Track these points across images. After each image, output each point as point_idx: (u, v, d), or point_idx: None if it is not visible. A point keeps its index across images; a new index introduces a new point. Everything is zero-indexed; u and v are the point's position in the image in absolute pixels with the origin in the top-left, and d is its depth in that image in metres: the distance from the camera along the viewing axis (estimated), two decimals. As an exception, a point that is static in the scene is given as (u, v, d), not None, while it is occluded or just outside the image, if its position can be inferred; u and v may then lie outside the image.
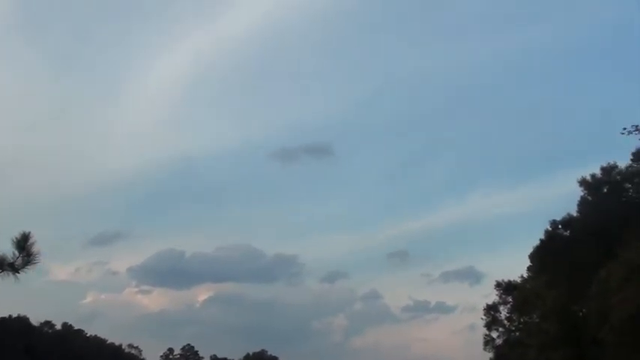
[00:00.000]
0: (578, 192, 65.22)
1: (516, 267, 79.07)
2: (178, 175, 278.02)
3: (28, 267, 13.00)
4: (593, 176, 63.26)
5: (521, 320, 76.80)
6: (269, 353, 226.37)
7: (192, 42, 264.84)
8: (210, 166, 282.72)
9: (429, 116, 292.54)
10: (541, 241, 73.51)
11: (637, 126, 46.66)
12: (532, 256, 75.59)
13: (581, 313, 61.40)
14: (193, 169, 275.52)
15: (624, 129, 42.46)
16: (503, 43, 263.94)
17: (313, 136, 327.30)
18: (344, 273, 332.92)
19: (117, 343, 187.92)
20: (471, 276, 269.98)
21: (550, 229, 71.66)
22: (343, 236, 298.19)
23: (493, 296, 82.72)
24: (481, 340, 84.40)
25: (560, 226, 70.64)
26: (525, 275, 78.41)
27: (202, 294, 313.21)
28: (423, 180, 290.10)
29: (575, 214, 66.95)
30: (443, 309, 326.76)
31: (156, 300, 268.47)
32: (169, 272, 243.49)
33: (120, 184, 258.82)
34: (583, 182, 63.61)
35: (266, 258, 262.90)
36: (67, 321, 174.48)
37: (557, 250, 65.60)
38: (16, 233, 12.84)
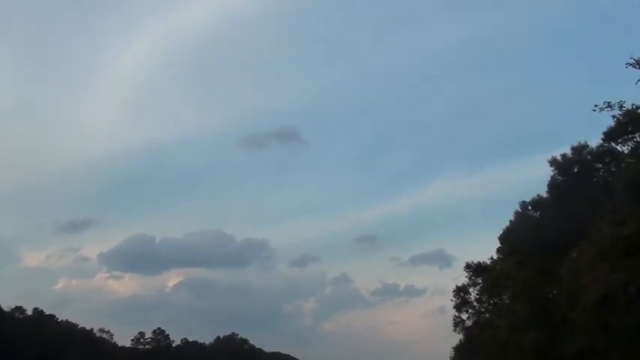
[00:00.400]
0: (548, 173, 64.73)
1: (487, 250, 79.69)
2: (148, 163, 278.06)
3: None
4: (563, 156, 62.66)
5: (491, 302, 76.47)
6: (239, 336, 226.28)
7: (157, 31, 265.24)
8: (179, 153, 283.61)
9: (395, 101, 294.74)
10: (511, 222, 73.21)
11: (609, 102, 45.98)
12: (502, 238, 75.27)
13: (551, 294, 61.08)
14: (163, 157, 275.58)
15: (596, 106, 41.82)
16: (467, 27, 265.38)
17: (280, 122, 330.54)
18: (314, 257, 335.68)
19: (88, 328, 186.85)
20: (441, 259, 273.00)
21: (520, 210, 71.38)
22: (313, 221, 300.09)
23: (463, 278, 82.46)
24: (451, 322, 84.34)
25: (529, 207, 70.33)
26: (495, 257, 78.16)
27: (173, 279, 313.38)
28: (391, 164, 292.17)
29: (545, 195, 66.48)
30: (412, 292, 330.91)
31: (127, 285, 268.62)
32: (140, 258, 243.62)
33: (90, 171, 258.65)
34: (553, 162, 63.00)
35: (236, 243, 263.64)
36: (39, 307, 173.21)
37: (527, 231, 65.22)
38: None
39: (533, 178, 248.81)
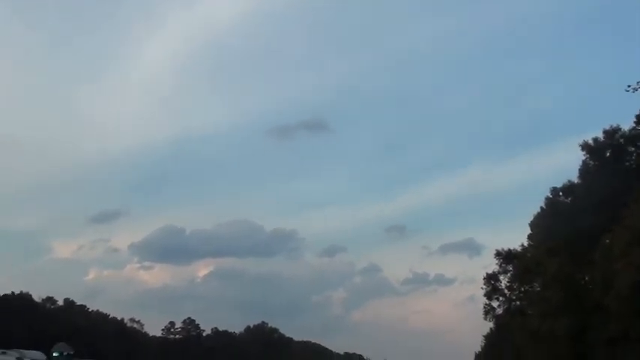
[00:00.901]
0: (580, 159, 63.54)
1: (516, 238, 78.70)
2: (178, 154, 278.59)
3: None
4: (595, 140, 61.28)
5: (522, 289, 75.42)
6: (269, 325, 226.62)
7: (184, 22, 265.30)
8: (208, 144, 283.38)
9: (425, 89, 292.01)
10: (541, 208, 72.12)
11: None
12: (533, 224, 74.17)
13: (584, 281, 60.16)
14: (192, 148, 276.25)
15: (629, 86, 40.75)
16: (494, 14, 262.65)
17: (309, 112, 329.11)
18: (343, 247, 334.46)
19: (119, 318, 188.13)
20: (471, 248, 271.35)
21: (550, 196, 70.34)
22: (342, 210, 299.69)
23: (493, 266, 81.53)
24: (481, 311, 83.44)
25: (560, 193, 69.29)
26: (526, 244, 77.11)
27: (203, 269, 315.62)
28: (420, 153, 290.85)
29: (576, 180, 65.37)
30: (442, 281, 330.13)
31: (157, 275, 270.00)
32: (170, 248, 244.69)
33: (120, 163, 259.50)
34: (585, 146, 61.66)
35: (265, 233, 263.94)
36: (70, 297, 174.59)
37: (558, 217, 64.19)
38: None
39: (564, 164, 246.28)
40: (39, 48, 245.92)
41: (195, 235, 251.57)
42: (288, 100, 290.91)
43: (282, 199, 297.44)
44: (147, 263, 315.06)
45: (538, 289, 68.67)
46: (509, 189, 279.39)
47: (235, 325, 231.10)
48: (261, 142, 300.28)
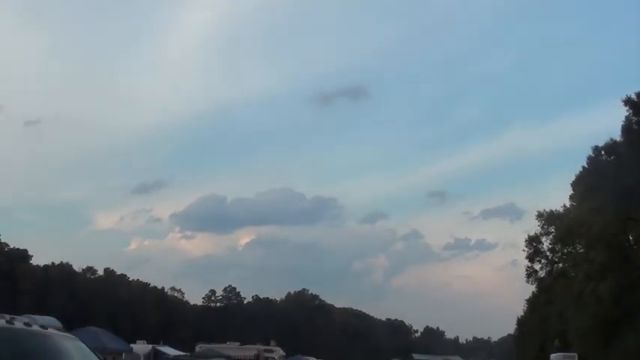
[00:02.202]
0: (622, 117, 61.17)
1: (558, 201, 76.25)
2: (217, 123, 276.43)
3: None
4: (638, 95, 58.96)
5: (565, 251, 73.62)
6: (310, 292, 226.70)
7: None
8: (248, 113, 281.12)
9: (463, 53, 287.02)
10: (583, 168, 70.26)
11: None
12: (575, 184, 72.18)
13: (628, 241, 58.32)
14: (232, 117, 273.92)
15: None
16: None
17: (348, 79, 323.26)
18: (384, 214, 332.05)
19: (160, 287, 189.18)
20: (512, 212, 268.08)
21: (593, 155, 68.50)
22: (382, 177, 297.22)
23: (535, 228, 79.61)
24: (523, 276, 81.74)
25: (603, 152, 67.41)
26: (568, 204, 75.14)
27: (244, 237, 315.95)
28: (460, 117, 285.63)
29: (619, 138, 63.21)
30: (484, 246, 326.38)
31: (199, 244, 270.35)
32: (211, 217, 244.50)
33: (160, 134, 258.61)
34: (628, 102, 59.25)
35: (306, 201, 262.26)
36: (113, 268, 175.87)
37: (601, 175, 62.28)
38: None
39: (606, 125, 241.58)
40: (74, 24, 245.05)
41: (237, 204, 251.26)
42: (328, 68, 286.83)
43: (323, 167, 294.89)
44: (188, 232, 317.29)
45: (581, 250, 66.88)
46: (550, 151, 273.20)
47: (276, 292, 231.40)
48: (301, 109, 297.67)
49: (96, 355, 9.99)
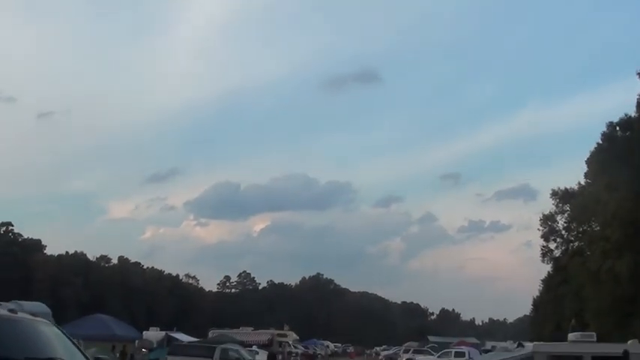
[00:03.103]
0: (636, 92, 60.05)
1: (573, 181, 75.28)
2: (229, 110, 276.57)
3: None
4: (653, 68, 57.78)
5: (581, 229, 72.53)
6: (325, 277, 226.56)
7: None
8: (260, 99, 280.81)
9: (474, 35, 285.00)
10: (598, 144, 69.25)
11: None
12: (589, 161, 71.05)
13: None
14: (243, 103, 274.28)
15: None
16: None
17: (359, 63, 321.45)
18: (398, 197, 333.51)
19: (174, 274, 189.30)
20: (526, 193, 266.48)
21: (607, 131, 67.43)
22: (396, 161, 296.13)
23: (549, 206, 78.56)
24: (538, 257, 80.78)
25: (617, 128, 66.34)
26: (583, 182, 74.03)
27: (258, 224, 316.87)
28: (473, 99, 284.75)
29: (634, 114, 62.09)
30: (498, 228, 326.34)
31: (213, 232, 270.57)
32: (226, 204, 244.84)
33: (172, 122, 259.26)
34: (643, 75, 58.24)
35: (320, 186, 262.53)
36: (128, 257, 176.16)
37: (616, 152, 61.19)
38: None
39: (621, 102, 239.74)
40: (85, 15, 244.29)
41: (250, 190, 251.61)
42: (339, 53, 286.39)
43: (336, 152, 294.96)
44: (203, 220, 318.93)
45: (597, 228, 65.84)
46: (564, 131, 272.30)
47: (291, 277, 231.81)
48: (313, 94, 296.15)
49: (71, 340, 9.29)
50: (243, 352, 42.74)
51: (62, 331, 9.59)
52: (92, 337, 46.08)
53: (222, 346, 43.19)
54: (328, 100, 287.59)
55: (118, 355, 44.46)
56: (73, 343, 9.54)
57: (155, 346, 58.59)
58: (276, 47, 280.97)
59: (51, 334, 9.30)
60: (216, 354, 39.59)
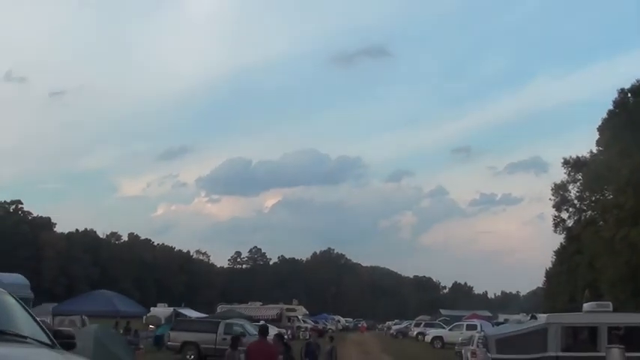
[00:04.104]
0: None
1: (584, 152, 73.86)
2: (241, 86, 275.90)
3: None
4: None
5: (593, 198, 71.18)
6: (336, 251, 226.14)
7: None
8: (270, 75, 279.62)
9: (483, 7, 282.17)
10: (609, 111, 67.94)
11: None
12: (601, 128, 69.64)
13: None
14: (254, 79, 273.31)
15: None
16: None
17: (370, 38, 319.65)
18: (409, 171, 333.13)
19: (185, 250, 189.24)
20: (537, 165, 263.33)
21: (619, 97, 66.17)
22: (406, 135, 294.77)
23: (561, 177, 77.16)
24: (550, 229, 79.47)
25: (629, 95, 65.09)
26: (595, 150, 72.60)
27: (270, 199, 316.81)
28: (483, 71, 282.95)
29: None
30: (509, 200, 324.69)
31: (225, 208, 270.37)
32: (237, 180, 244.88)
33: (183, 99, 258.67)
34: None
35: (331, 161, 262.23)
36: (138, 233, 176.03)
37: (628, 118, 59.95)
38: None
39: (632, 71, 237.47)
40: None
41: (262, 166, 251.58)
42: (348, 28, 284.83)
43: (346, 127, 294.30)
44: (214, 196, 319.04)
45: (610, 196, 64.58)
46: (575, 102, 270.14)
47: (302, 252, 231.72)
48: (323, 70, 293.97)
49: (27, 311, 8.34)
50: (249, 326, 41.73)
51: (18, 301, 8.66)
52: (95, 314, 45.41)
53: (227, 321, 42.30)
54: (339, 75, 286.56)
55: (121, 331, 43.52)
56: (30, 314, 8.62)
57: (163, 322, 57.89)
58: (287, 23, 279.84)
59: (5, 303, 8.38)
60: (220, 329, 38.70)
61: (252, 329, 38.00)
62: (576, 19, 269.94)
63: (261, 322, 60.96)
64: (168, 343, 40.16)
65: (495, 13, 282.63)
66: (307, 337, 59.89)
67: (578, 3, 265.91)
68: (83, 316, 47.66)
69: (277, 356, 16.53)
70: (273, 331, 56.70)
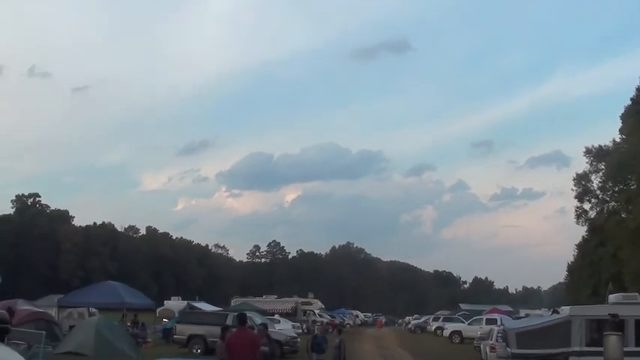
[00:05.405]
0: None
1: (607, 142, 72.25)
2: (260, 80, 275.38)
3: None
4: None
5: (617, 188, 69.22)
6: (355, 245, 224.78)
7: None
8: (290, 69, 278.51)
9: (504, 1, 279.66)
10: (632, 99, 66.27)
11: None
12: (624, 116, 67.83)
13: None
14: (274, 73, 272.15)
15: None
16: None
17: (390, 32, 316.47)
18: (430, 165, 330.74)
19: (203, 244, 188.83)
20: (559, 160, 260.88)
21: (641, 85, 64.54)
22: (427, 129, 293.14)
23: (583, 165, 75.26)
24: (572, 223, 77.61)
25: (653, 81, 63.33)
26: (618, 139, 70.67)
27: (290, 194, 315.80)
28: (504, 65, 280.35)
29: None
30: (531, 195, 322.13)
31: (245, 202, 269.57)
32: (258, 175, 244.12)
33: (204, 94, 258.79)
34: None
35: (352, 155, 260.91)
36: (157, 227, 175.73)
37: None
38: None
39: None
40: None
41: (283, 161, 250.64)
42: (369, 21, 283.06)
43: (367, 121, 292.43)
44: (235, 191, 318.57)
45: (634, 186, 62.73)
46: (597, 95, 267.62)
47: (322, 246, 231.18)
48: (344, 64, 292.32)
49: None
50: (258, 319, 40.44)
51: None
52: (101, 306, 44.37)
53: (235, 313, 40.96)
54: (359, 69, 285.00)
55: (128, 324, 42.47)
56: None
57: (176, 315, 56.79)
58: (307, 17, 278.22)
59: None
60: (228, 321, 37.34)
61: (260, 322, 36.64)
62: (597, 13, 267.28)
63: (275, 316, 59.96)
64: (175, 336, 38.87)
65: (516, 6, 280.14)
66: (307, 330, 58.78)
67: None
68: (91, 309, 46.69)
69: (259, 344, 15.17)
70: (286, 324, 55.89)
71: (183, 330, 38.30)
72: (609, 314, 21.27)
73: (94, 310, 47.34)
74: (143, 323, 45.79)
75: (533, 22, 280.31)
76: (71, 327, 37.27)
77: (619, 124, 70.75)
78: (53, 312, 39.51)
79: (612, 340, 20.20)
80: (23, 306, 32.72)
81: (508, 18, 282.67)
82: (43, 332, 26.08)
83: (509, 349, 23.10)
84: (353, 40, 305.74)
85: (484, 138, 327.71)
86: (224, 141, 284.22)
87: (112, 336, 32.07)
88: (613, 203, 70.53)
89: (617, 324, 21.14)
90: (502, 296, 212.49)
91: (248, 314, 42.00)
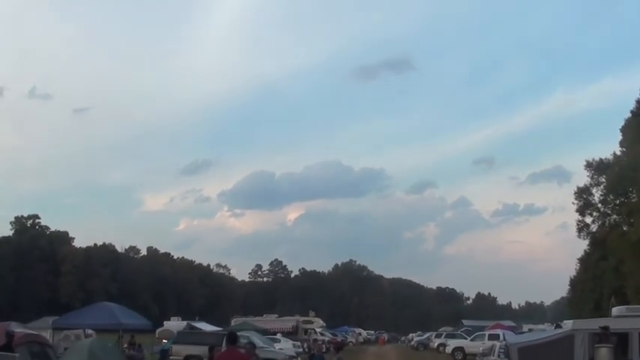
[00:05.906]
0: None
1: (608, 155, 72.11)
2: (261, 99, 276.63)
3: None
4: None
5: (618, 201, 68.72)
6: (358, 263, 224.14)
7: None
8: (292, 87, 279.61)
9: (504, 17, 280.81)
10: (632, 111, 66.03)
11: None
12: (624, 128, 67.53)
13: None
14: (276, 92, 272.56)
15: None
16: None
17: (390, 50, 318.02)
18: (432, 182, 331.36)
19: (205, 264, 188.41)
20: (560, 175, 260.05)
21: (640, 98, 64.22)
22: (429, 146, 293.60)
23: (584, 178, 74.85)
24: (574, 238, 77.11)
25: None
26: (618, 152, 70.34)
27: (293, 213, 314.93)
28: (505, 82, 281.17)
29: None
30: (532, 211, 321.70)
31: (248, 222, 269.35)
32: (260, 194, 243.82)
33: (205, 113, 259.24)
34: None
35: (354, 173, 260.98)
36: (158, 248, 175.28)
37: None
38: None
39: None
40: (118, 9, 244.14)
41: (285, 179, 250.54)
42: (370, 40, 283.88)
43: (369, 139, 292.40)
44: (237, 210, 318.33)
45: (634, 199, 62.26)
46: (597, 111, 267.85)
47: (325, 264, 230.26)
48: (345, 82, 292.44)
49: None
50: (256, 338, 39.91)
51: None
52: (96, 327, 43.74)
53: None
54: (361, 87, 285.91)
55: (125, 345, 41.82)
56: None
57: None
58: (308, 36, 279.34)
59: None
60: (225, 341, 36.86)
61: (259, 341, 36.13)
62: (596, 29, 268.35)
63: (277, 335, 59.42)
64: (171, 357, 38.36)
65: (516, 24, 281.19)
66: (308, 349, 58.21)
67: (599, 10, 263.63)
68: (87, 330, 46.06)
69: None
70: (287, 343, 55.31)
71: (180, 350, 37.91)
72: (599, 327, 20.93)
73: (90, 331, 46.69)
74: (140, 344, 45.15)
75: (533, 40, 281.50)
76: (66, 349, 36.67)
77: (619, 137, 70.62)
78: (47, 334, 38.86)
79: (602, 352, 19.95)
80: (16, 329, 32.12)
81: (508, 36, 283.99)
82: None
83: (511, 365, 22.72)
84: (355, 58, 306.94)
85: (485, 155, 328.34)
86: (226, 160, 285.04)
87: (106, 358, 31.45)
88: (614, 216, 69.93)
89: (609, 336, 20.79)
90: (505, 312, 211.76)
91: (246, 333, 41.61)
